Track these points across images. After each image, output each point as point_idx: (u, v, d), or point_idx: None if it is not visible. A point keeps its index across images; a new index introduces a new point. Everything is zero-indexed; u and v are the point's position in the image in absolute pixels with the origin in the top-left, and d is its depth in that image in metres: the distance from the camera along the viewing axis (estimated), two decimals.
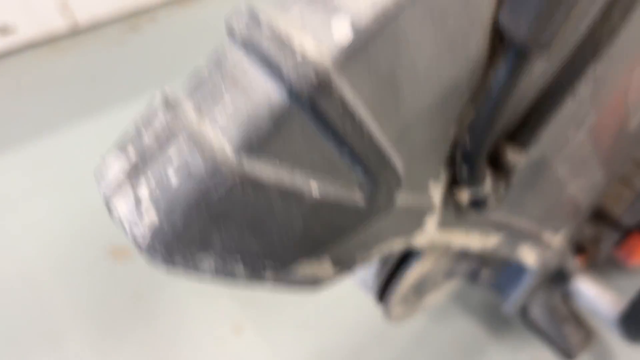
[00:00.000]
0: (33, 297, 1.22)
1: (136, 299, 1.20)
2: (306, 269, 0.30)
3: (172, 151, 0.23)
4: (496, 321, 1.17)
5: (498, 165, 0.36)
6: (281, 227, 0.26)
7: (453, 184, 0.35)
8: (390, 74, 0.25)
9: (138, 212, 0.23)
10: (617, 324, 0.88)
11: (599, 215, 1.02)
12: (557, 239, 0.74)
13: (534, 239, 0.61)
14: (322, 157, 0.25)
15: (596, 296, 1.02)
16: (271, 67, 0.23)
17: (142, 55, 1.86)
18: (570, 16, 0.26)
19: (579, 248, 1.06)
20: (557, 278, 1.07)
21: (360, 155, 0.26)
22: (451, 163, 0.33)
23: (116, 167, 0.24)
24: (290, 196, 0.25)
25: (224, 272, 0.26)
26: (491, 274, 0.66)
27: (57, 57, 1.83)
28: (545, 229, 0.62)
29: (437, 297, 0.69)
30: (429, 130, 0.30)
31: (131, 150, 0.24)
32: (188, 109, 0.24)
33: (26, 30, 1.77)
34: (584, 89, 0.40)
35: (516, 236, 0.55)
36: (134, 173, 0.24)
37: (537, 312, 1.15)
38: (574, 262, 1.04)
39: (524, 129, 0.34)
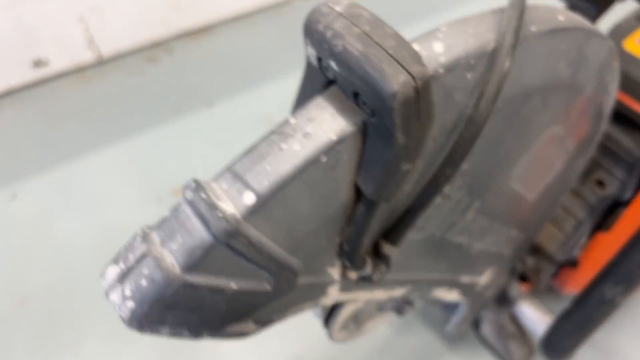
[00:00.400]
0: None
1: None
2: (234, 328, 0.45)
3: (145, 267, 0.39)
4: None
5: (378, 255, 0.51)
6: (212, 309, 0.41)
7: (344, 267, 0.50)
8: (283, 218, 0.40)
9: (123, 302, 0.39)
10: (539, 346, 1.01)
11: (538, 251, 1.15)
12: (483, 279, 0.88)
13: (449, 283, 0.75)
14: (239, 268, 0.40)
15: (534, 318, 1.16)
16: (204, 220, 0.38)
17: (159, 83, 2.03)
18: (401, 183, 0.41)
19: (523, 277, 1.20)
20: (504, 301, 1.21)
21: (263, 265, 0.41)
22: (340, 256, 0.48)
23: (112, 273, 0.40)
24: (217, 291, 0.40)
25: (175, 335, 0.41)
26: (412, 308, 0.80)
27: (85, 85, 2.01)
28: (461, 275, 0.77)
29: (376, 323, 0.84)
30: (318, 242, 0.45)
31: (121, 264, 0.40)
32: (156, 240, 0.40)
33: (58, 62, 1.96)
34: (454, 191, 0.54)
35: (425, 285, 0.69)
36: (122, 278, 0.39)
37: (487, 328, 1.29)
38: (518, 288, 1.18)
39: (393, 232, 0.49)
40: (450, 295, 0.81)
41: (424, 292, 0.71)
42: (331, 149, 0.39)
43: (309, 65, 0.43)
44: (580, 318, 0.86)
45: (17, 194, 1.64)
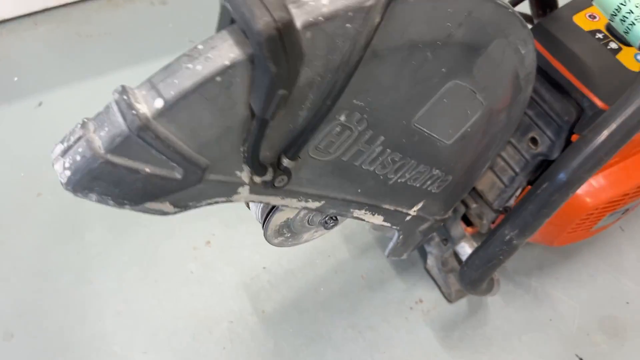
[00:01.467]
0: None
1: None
2: (152, 205, 0.56)
3: (80, 146, 0.50)
4: (403, 263, 1.43)
5: (280, 166, 0.61)
6: (130, 185, 0.52)
7: (251, 173, 0.60)
8: (187, 123, 0.51)
9: (63, 171, 0.51)
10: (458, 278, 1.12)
11: (480, 197, 1.24)
12: (412, 211, 0.98)
13: (370, 208, 0.85)
14: (151, 156, 0.51)
15: None
16: (123, 115, 0.49)
17: (182, 14, 2.10)
18: (282, 106, 0.51)
19: (468, 221, 1.30)
20: (449, 239, 1.31)
21: (171, 157, 0.52)
22: (245, 163, 0.59)
23: (58, 149, 0.52)
24: (133, 171, 0.51)
25: (102, 202, 0.53)
26: (337, 223, 0.91)
27: (113, 10, 2.10)
28: (382, 203, 0.86)
29: (311, 236, 0.96)
30: (223, 148, 0.55)
31: (65, 143, 0.51)
32: (90, 128, 0.51)
33: None
34: (354, 124, 0.63)
35: (342, 203, 0.79)
36: (64, 153, 0.51)
37: (431, 262, 1.40)
38: (461, 230, 1.28)
39: (289, 149, 0.59)
40: (376, 219, 0.91)
41: (343, 210, 0.81)
42: (224, 71, 0.49)
43: (221, 6, 0.51)
44: (486, 254, 0.96)
45: (43, 102, 1.78)
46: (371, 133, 0.69)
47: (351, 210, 0.83)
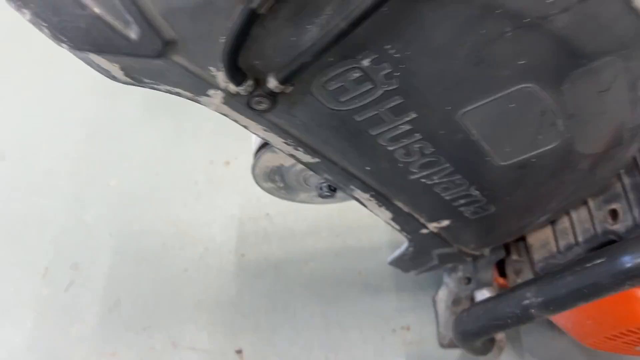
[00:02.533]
0: None
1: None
2: (99, 61, 0.48)
3: None
4: (410, 279, 1.29)
5: (262, 85, 0.50)
6: (71, 19, 0.44)
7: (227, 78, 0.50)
8: None
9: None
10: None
11: (525, 250, 1.07)
12: (431, 226, 0.84)
13: (376, 194, 0.72)
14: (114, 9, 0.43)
15: None
16: None
17: None
18: None
19: (502, 270, 1.14)
20: (472, 279, 1.16)
21: (127, 8, 0.43)
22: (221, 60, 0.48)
23: None
24: (79, 4, 0.43)
25: (36, 26, 0.46)
26: (333, 196, 0.78)
27: None
28: (398, 199, 0.73)
29: (312, 200, 0.85)
30: (199, 27, 0.46)
31: None
32: None
33: None
34: (378, 75, 0.51)
35: (340, 172, 0.67)
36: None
37: (442, 294, 1.26)
38: (490, 275, 1.12)
39: (282, 69, 0.48)
40: (382, 214, 0.78)
41: (341, 181, 0.69)
42: None
43: None
44: (494, 309, 0.81)
45: None
46: (400, 101, 0.56)
47: (352, 187, 0.71)
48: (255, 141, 0.76)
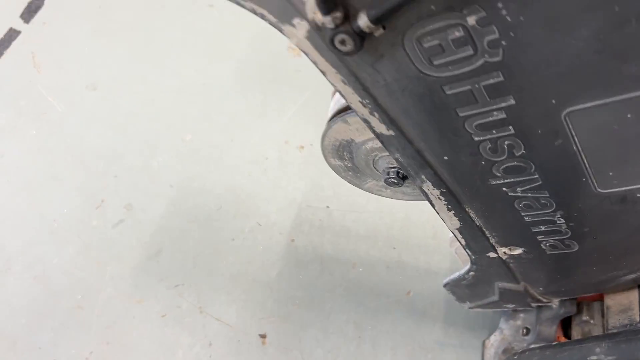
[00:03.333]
0: None
1: None
2: None
3: None
4: (463, 314, 1.20)
5: (352, 21, 0.46)
6: None
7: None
8: None
9: None
10: None
11: (599, 310, 0.96)
12: (500, 250, 0.77)
13: (448, 197, 0.66)
14: None
15: None
16: None
17: None
18: None
19: (568, 326, 1.03)
20: (531, 331, 1.07)
21: None
22: None
23: None
24: None
25: None
26: (397, 182, 0.72)
27: None
28: (470, 206, 0.66)
29: (380, 191, 0.80)
30: None
31: None
32: None
33: None
34: (483, 30, 0.46)
35: (412, 156, 0.61)
36: None
37: (494, 340, 1.16)
38: (554, 331, 1.01)
39: (377, 4, 0.44)
40: (449, 220, 0.72)
41: (411, 165, 0.64)
42: None
43: None
44: (552, 357, 0.72)
45: None
46: (500, 80, 0.50)
47: (423, 177, 0.65)
48: (331, 109, 0.74)
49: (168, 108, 1.45)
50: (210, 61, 1.52)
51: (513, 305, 0.97)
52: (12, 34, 1.56)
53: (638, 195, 0.58)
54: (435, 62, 0.49)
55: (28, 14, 1.61)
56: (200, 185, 1.30)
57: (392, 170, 0.70)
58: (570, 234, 0.68)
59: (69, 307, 1.14)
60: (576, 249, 0.71)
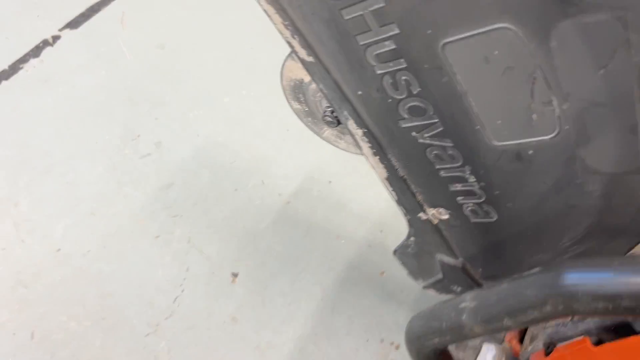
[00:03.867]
0: None
1: None
2: None
3: None
4: None
5: None
6: None
7: None
8: None
9: None
10: None
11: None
12: (431, 212, 0.80)
13: (371, 137, 0.70)
14: None
15: None
16: None
17: None
18: None
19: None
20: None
21: None
22: None
23: None
24: None
25: None
26: (332, 121, 0.77)
27: None
28: (390, 152, 0.70)
29: (336, 141, 0.86)
30: None
31: None
32: None
33: None
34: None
35: (334, 90, 0.67)
36: None
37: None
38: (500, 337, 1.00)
39: None
40: (377, 167, 0.76)
41: (334, 98, 0.69)
42: None
43: None
44: (439, 308, 0.73)
45: None
46: (381, 5, 0.55)
47: (345, 113, 0.71)
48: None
49: (217, 72, 1.61)
50: (265, 40, 1.66)
51: (460, 288, 0.98)
52: None
53: (530, 152, 0.61)
54: None
55: None
56: (222, 140, 1.43)
57: (328, 109, 0.76)
58: (484, 197, 0.71)
59: (82, 212, 1.31)
60: (495, 217, 0.73)
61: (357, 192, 1.34)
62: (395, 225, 1.29)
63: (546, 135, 0.58)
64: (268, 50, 1.63)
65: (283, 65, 0.77)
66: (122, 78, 1.59)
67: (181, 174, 1.36)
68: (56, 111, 1.50)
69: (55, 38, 1.68)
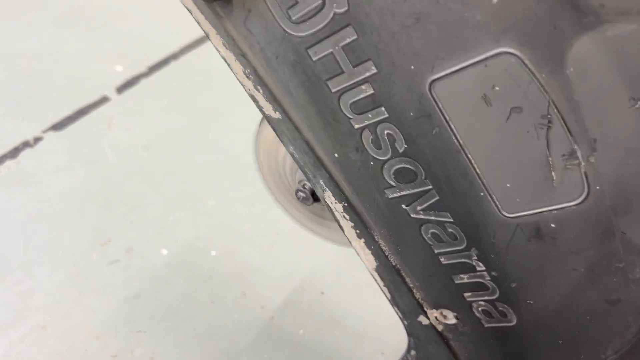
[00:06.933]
0: None
1: None
2: None
3: None
4: None
5: None
6: None
7: None
8: None
9: None
10: None
11: None
12: (433, 314, 0.65)
13: (351, 212, 0.59)
14: None
15: None
16: None
17: None
18: None
19: None
20: None
21: None
22: None
23: None
24: None
25: None
26: (305, 196, 0.65)
27: None
28: (377, 232, 0.58)
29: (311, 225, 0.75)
30: None
31: None
32: None
33: None
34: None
35: (305, 152, 0.56)
36: None
37: None
38: None
39: None
40: (363, 253, 0.63)
41: (307, 163, 0.58)
42: None
43: None
44: None
45: None
46: (354, 38, 0.46)
47: (320, 181, 0.61)
48: None
49: (205, 175, 1.54)
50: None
51: None
52: (103, 100, 1.82)
53: (552, 226, 0.50)
54: (293, 17, 0.50)
55: (123, 87, 1.88)
56: (203, 245, 1.32)
57: (303, 182, 0.66)
58: (497, 291, 0.58)
59: (32, 324, 1.15)
60: (514, 322, 0.60)
61: (354, 305, 1.18)
62: (399, 346, 1.11)
63: (571, 200, 0.46)
64: None
65: (257, 133, 0.68)
66: (100, 180, 1.52)
67: (151, 284, 1.23)
68: (23, 213, 1.41)
69: (37, 139, 1.65)
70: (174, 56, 2.03)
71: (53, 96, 1.80)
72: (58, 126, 1.70)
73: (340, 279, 1.23)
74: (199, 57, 2.01)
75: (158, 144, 1.65)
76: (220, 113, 1.77)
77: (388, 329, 1.13)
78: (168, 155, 1.62)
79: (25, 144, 1.62)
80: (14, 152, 1.59)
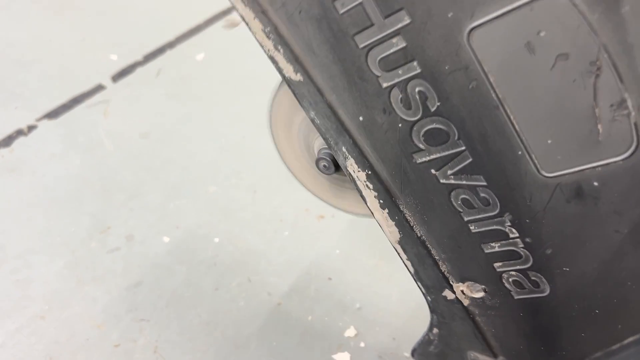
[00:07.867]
0: None
1: None
2: None
3: None
4: None
5: None
6: None
7: None
8: None
9: None
10: None
11: None
12: (459, 287, 0.63)
13: (373, 180, 0.56)
14: None
15: None
16: None
17: None
18: None
19: None
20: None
21: None
22: None
23: None
24: None
25: None
26: (327, 167, 0.62)
27: None
28: (402, 202, 0.56)
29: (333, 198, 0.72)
30: None
31: None
32: None
33: None
34: None
35: (328, 117, 0.54)
36: None
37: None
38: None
39: None
40: (386, 224, 0.61)
41: (329, 130, 0.56)
42: None
43: None
44: None
45: None
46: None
47: (342, 148, 0.58)
48: None
49: (205, 162, 1.51)
50: (260, 130, 1.59)
51: None
52: (98, 89, 1.78)
53: (595, 184, 0.47)
54: None
55: (118, 76, 1.85)
56: (205, 232, 1.29)
57: (324, 151, 0.63)
58: (531, 259, 0.55)
59: (31, 314, 1.12)
60: (547, 292, 0.57)
61: (363, 291, 1.16)
62: (411, 331, 1.09)
63: (618, 155, 0.44)
64: (263, 140, 1.54)
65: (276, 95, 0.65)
66: (98, 168, 1.48)
67: (153, 271, 1.19)
68: (18, 201, 1.37)
69: (31, 128, 1.61)
70: (170, 45, 2.00)
71: (46, 85, 1.76)
72: (52, 114, 1.66)
73: (347, 264, 1.20)
74: (195, 46, 1.97)
75: (156, 131, 1.62)
76: (217, 100, 1.74)
77: (399, 314, 1.11)
78: (166, 142, 1.59)
79: (19, 132, 1.58)
80: (7, 141, 1.55)
